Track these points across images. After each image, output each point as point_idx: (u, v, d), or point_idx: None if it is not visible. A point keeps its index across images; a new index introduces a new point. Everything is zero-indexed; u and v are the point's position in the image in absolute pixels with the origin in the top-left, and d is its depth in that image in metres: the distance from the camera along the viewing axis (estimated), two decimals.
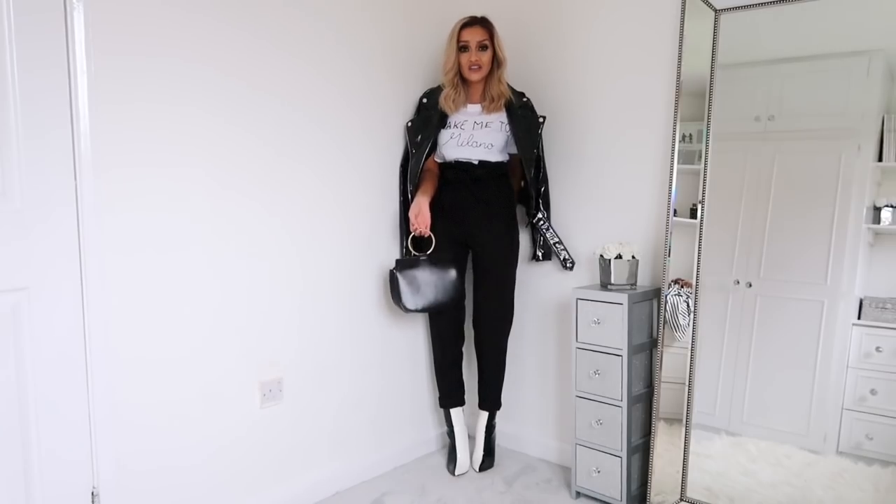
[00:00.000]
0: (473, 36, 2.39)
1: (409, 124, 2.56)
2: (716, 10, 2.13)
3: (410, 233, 2.48)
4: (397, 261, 2.46)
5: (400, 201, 2.59)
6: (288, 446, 2.28)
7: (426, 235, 2.42)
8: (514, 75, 2.61)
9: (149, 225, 1.88)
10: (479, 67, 2.40)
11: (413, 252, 2.49)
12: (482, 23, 2.41)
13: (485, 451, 2.61)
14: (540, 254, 2.58)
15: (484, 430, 2.63)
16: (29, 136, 1.64)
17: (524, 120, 2.46)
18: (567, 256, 2.52)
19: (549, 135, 2.59)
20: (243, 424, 2.15)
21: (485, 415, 2.64)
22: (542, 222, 2.53)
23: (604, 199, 2.48)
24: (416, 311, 2.42)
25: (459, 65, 2.42)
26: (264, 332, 2.19)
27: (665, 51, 2.28)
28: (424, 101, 2.54)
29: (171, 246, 1.93)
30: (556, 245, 2.53)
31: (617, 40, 2.41)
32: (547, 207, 2.56)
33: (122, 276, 1.83)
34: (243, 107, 2.08)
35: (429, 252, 2.45)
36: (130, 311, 1.85)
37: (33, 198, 1.66)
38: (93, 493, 1.81)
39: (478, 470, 2.57)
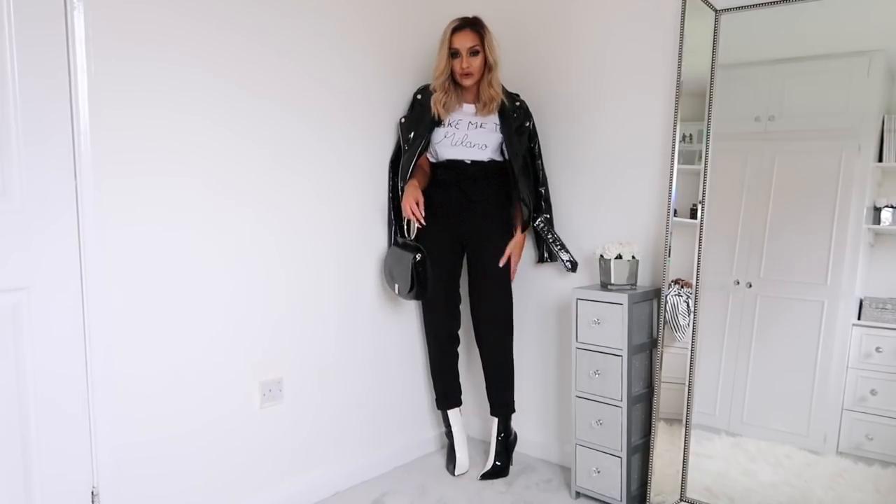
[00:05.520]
0: (463, 42, 2.35)
1: (403, 120, 2.55)
2: (716, 10, 2.13)
3: (403, 226, 2.51)
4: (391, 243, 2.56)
5: (389, 197, 2.58)
6: (288, 446, 2.29)
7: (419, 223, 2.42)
8: (512, 75, 2.61)
9: (149, 226, 1.88)
10: (470, 74, 2.37)
11: (401, 236, 2.52)
12: (473, 26, 2.36)
13: (495, 458, 2.54)
14: (546, 255, 2.58)
15: (494, 436, 2.58)
16: (29, 133, 1.65)
17: (515, 122, 2.45)
18: (570, 258, 2.51)
19: (548, 136, 2.59)
20: (243, 424, 2.15)
21: (495, 421, 2.59)
22: (542, 225, 2.52)
23: (604, 199, 2.48)
24: (396, 293, 2.47)
25: (451, 70, 2.40)
26: (264, 333, 2.19)
27: (665, 51, 2.28)
28: (419, 97, 2.53)
29: (170, 247, 1.93)
30: (557, 247, 2.51)
31: (617, 40, 2.40)
32: (549, 210, 2.55)
33: (123, 276, 1.83)
34: (240, 110, 2.09)
35: (410, 239, 2.46)
36: (130, 311, 1.85)
37: (34, 198, 1.66)
38: (93, 493, 1.81)
39: (479, 478, 2.51)
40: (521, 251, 2.55)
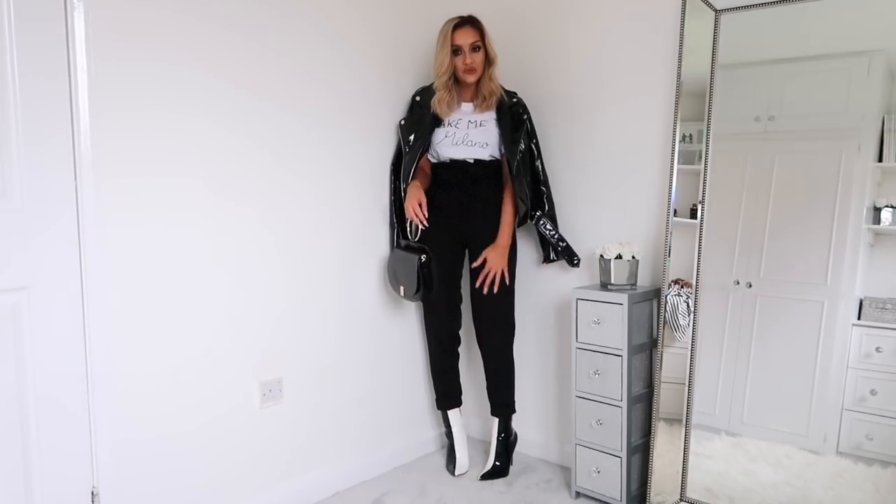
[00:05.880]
0: (465, 38, 2.37)
1: (402, 123, 2.55)
2: (716, 10, 2.13)
3: (405, 228, 2.51)
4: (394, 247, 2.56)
5: (391, 200, 2.58)
6: (287, 446, 2.29)
7: (423, 226, 2.41)
8: (511, 75, 2.61)
9: (149, 226, 1.88)
10: (474, 70, 2.39)
11: (403, 238, 2.53)
12: (472, 23, 2.39)
13: (495, 458, 2.54)
14: (553, 255, 2.56)
15: (495, 436, 2.58)
16: (29, 133, 1.65)
17: (512, 118, 2.45)
18: (572, 253, 2.50)
19: (548, 136, 2.59)
20: (243, 424, 2.15)
21: (496, 421, 2.59)
22: (542, 223, 2.51)
23: (604, 199, 2.48)
24: (401, 295, 2.47)
25: (454, 68, 2.41)
26: (263, 333, 2.19)
27: (665, 51, 2.28)
28: (417, 98, 2.53)
29: (170, 247, 1.94)
30: (560, 243, 2.51)
31: (617, 40, 2.40)
32: (552, 208, 2.54)
33: (123, 275, 1.83)
34: (240, 110, 2.09)
35: (413, 240, 2.46)
36: (130, 311, 1.86)
37: (34, 198, 1.66)
38: (93, 493, 1.81)
39: (479, 478, 2.51)
40: (502, 259, 2.43)
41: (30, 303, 1.67)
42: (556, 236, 2.50)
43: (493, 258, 2.43)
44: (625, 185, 2.42)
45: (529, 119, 2.50)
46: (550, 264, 2.61)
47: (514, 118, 2.46)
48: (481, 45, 2.39)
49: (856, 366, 1.90)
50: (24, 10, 1.62)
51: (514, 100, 2.49)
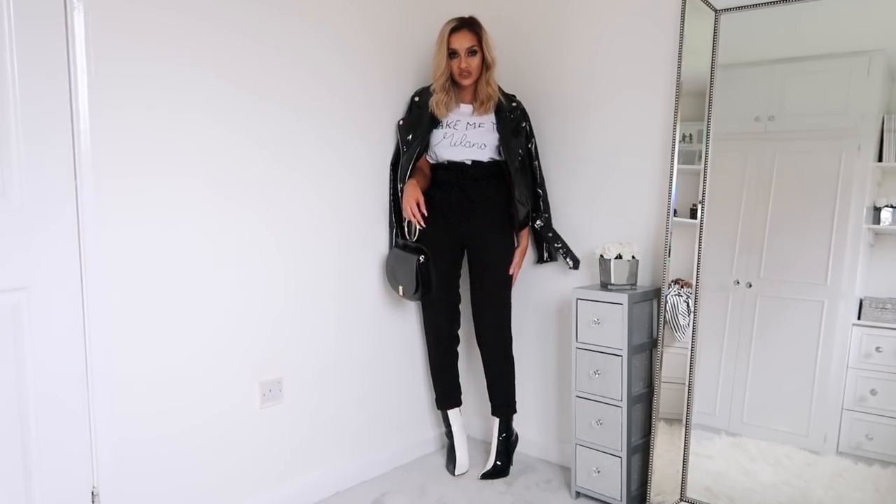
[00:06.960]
0: (462, 42, 2.36)
1: (401, 123, 2.55)
2: (716, 10, 2.13)
3: (403, 227, 2.52)
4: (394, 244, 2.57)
5: (390, 200, 2.59)
6: (287, 445, 2.29)
7: (420, 225, 2.41)
8: (510, 75, 2.61)
9: (149, 226, 1.88)
10: (469, 74, 2.38)
11: (402, 238, 2.54)
12: (470, 26, 2.37)
13: (496, 458, 2.55)
14: (546, 255, 2.58)
15: (495, 436, 2.59)
16: (29, 133, 1.65)
17: (511, 122, 2.45)
18: (571, 256, 2.52)
19: (548, 136, 2.59)
20: (243, 424, 2.15)
21: (497, 421, 2.59)
22: (542, 225, 2.52)
23: (604, 199, 2.48)
24: (399, 295, 2.48)
25: (450, 70, 2.41)
26: (263, 333, 2.19)
27: (665, 51, 2.28)
28: (416, 99, 2.53)
29: (170, 247, 1.93)
30: (559, 246, 2.52)
31: (616, 40, 2.40)
32: (547, 209, 2.55)
33: (123, 275, 1.83)
34: (240, 110, 2.09)
35: (411, 239, 2.47)
36: (130, 311, 1.86)
37: (34, 198, 1.66)
38: (93, 493, 1.81)
39: (479, 477, 2.51)
40: (523, 257, 2.57)
41: (30, 303, 1.67)
42: (556, 240, 2.53)
43: (520, 259, 2.56)
44: (625, 185, 2.42)
45: (528, 122, 2.51)
46: (546, 264, 2.62)
47: (513, 122, 2.46)
48: (478, 48, 2.37)
49: (856, 366, 1.90)
50: (24, 9, 1.62)
51: (514, 104, 2.49)
